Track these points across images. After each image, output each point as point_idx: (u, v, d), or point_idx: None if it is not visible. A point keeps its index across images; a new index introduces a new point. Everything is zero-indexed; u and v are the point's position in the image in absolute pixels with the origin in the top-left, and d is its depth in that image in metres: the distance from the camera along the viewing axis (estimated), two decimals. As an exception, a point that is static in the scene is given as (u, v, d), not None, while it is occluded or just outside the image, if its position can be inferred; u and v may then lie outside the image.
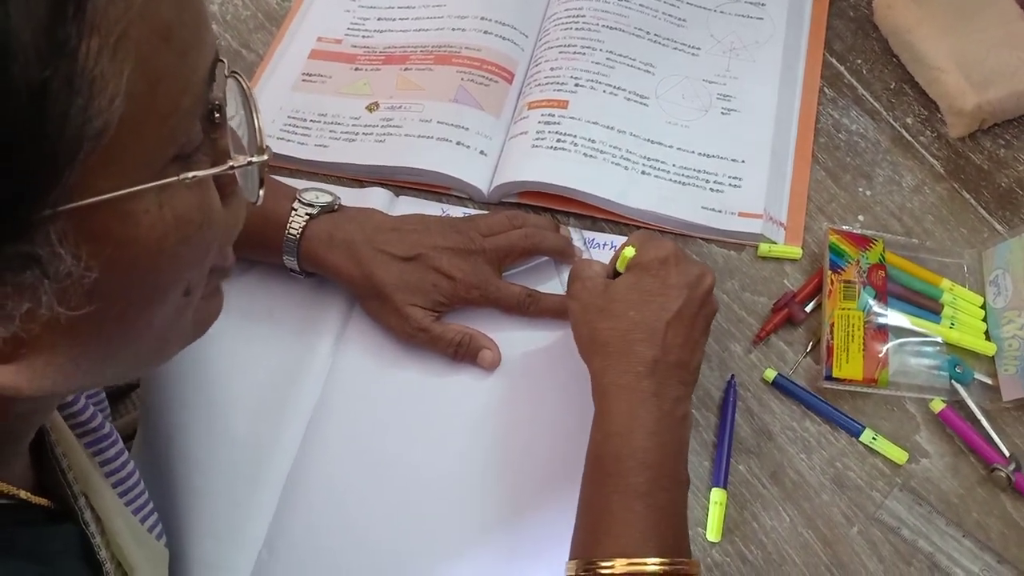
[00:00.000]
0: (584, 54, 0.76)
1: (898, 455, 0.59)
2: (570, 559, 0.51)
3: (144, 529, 0.50)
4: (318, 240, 0.62)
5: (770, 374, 0.62)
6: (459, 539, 0.58)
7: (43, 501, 0.41)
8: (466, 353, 0.63)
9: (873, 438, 0.60)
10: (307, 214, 0.62)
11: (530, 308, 0.64)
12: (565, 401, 0.61)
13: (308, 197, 0.63)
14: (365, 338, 0.66)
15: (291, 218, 0.61)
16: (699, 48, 0.78)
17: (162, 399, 0.65)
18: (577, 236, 0.68)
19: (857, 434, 0.60)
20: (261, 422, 0.63)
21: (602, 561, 0.48)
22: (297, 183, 0.68)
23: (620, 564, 0.47)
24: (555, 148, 0.70)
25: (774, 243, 0.68)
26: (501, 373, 0.64)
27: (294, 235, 0.61)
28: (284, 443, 0.62)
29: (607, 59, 0.76)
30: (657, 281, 0.55)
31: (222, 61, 0.33)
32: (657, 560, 0.47)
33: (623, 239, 0.68)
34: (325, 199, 0.63)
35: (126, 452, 0.51)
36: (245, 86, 0.35)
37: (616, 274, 0.58)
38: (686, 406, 0.54)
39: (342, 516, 0.59)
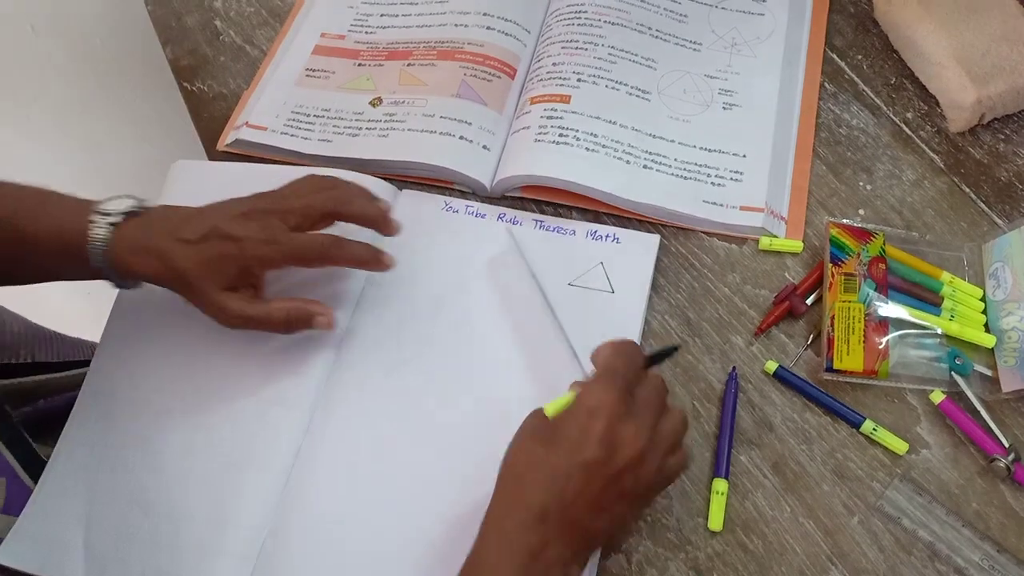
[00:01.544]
0: (586, 49, 0.76)
1: (899, 445, 0.60)
2: None
3: None
4: (125, 247, 0.58)
5: (771, 366, 0.63)
6: (462, 530, 0.59)
7: None
8: (298, 325, 0.60)
9: (874, 429, 0.60)
10: (109, 224, 0.58)
11: (334, 252, 0.60)
12: None
13: (107, 207, 0.59)
14: (371, 322, 0.66)
15: (90, 230, 0.58)
16: (700, 44, 0.79)
17: (156, 382, 0.65)
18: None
19: (858, 425, 0.60)
20: (266, 408, 0.63)
21: None
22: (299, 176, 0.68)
23: None
24: (557, 143, 0.71)
25: (775, 237, 0.69)
26: (507, 364, 0.64)
27: (98, 246, 0.58)
28: (288, 431, 0.62)
29: (609, 54, 0.76)
30: (579, 429, 0.48)
31: None
32: None
33: (626, 232, 0.69)
34: (125, 205, 0.59)
35: None
36: None
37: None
38: (568, 572, 0.48)
39: (347, 503, 0.60)
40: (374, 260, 0.62)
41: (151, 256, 0.58)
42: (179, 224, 0.59)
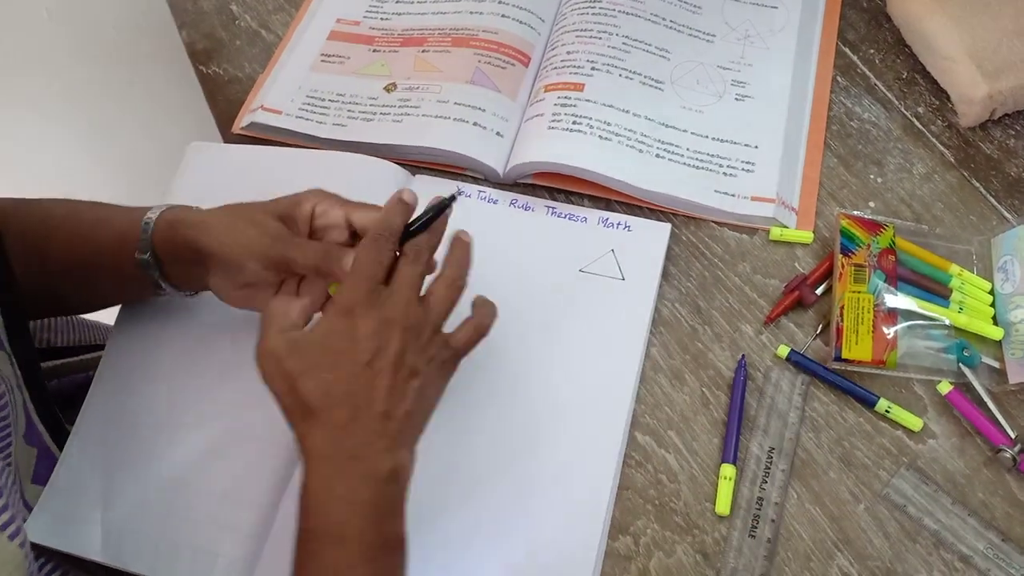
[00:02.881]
0: (600, 38, 0.77)
1: (913, 422, 0.60)
2: None
3: None
4: (165, 223, 0.58)
5: (783, 350, 0.63)
6: (475, 502, 0.59)
7: None
8: (328, 264, 0.55)
9: (888, 408, 0.61)
10: (159, 211, 0.59)
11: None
12: (579, 383, 0.62)
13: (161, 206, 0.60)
14: None
15: (143, 218, 0.58)
16: (714, 35, 0.79)
17: (170, 359, 0.65)
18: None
19: (872, 404, 0.61)
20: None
21: None
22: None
23: None
24: (570, 130, 0.71)
25: (786, 227, 0.69)
26: (519, 351, 0.64)
27: (147, 228, 0.58)
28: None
29: (623, 44, 0.77)
30: (345, 335, 0.49)
31: None
32: None
33: (637, 220, 0.70)
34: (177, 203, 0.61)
35: None
36: None
37: None
38: (395, 458, 0.49)
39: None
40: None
41: (190, 224, 0.57)
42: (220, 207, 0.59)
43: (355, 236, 0.57)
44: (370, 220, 0.56)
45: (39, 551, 0.59)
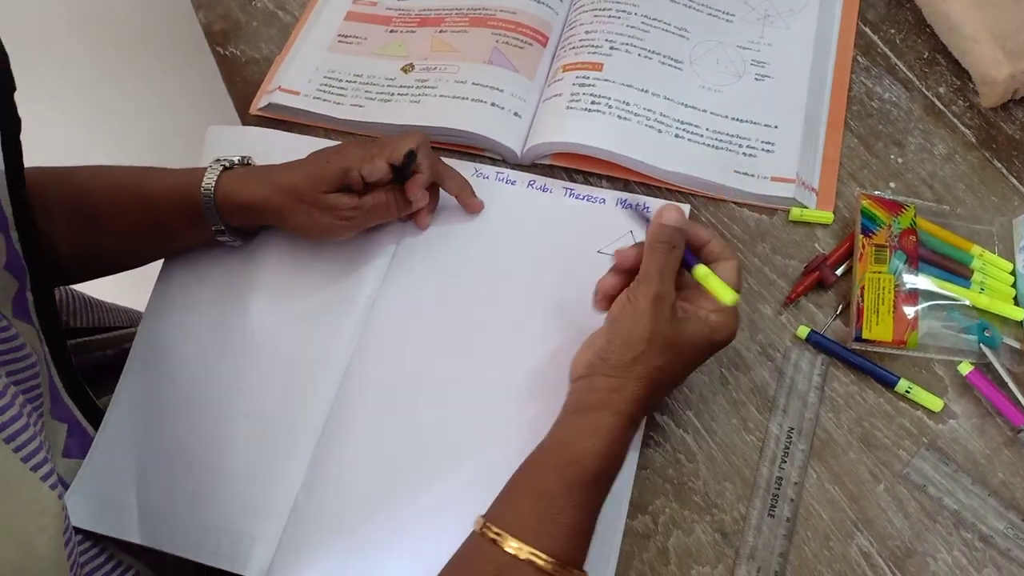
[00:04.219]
0: (619, 18, 0.76)
1: (934, 403, 0.60)
2: (484, 516, 0.51)
3: (27, 468, 0.49)
4: (230, 180, 0.63)
5: (803, 330, 0.63)
6: (493, 481, 0.59)
7: None
8: (403, 205, 0.65)
9: (908, 389, 0.60)
10: (221, 167, 0.64)
11: (440, 169, 0.67)
12: None
13: (223, 160, 0.65)
14: (402, 286, 0.67)
15: (206, 175, 0.63)
16: (733, 14, 0.78)
17: (197, 346, 0.66)
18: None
19: (893, 384, 0.61)
20: (299, 370, 0.64)
21: (512, 539, 0.48)
22: (332, 143, 0.69)
23: (524, 550, 0.48)
24: (589, 110, 0.71)
25: (806, 208, 0.69)
26: (535, 326, 0.65)
27: (208, 187, 0.63)
28: (321, 391, 0.63)
29: (642, 23, 0.76)
30: (710, 349, 0.55)
31: None
32: (547, 558, 0.48)
33: (656, 201, 0.69)
34: (237, 158, 0.67)
35: (13, 392, 0.50)
36: None
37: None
38: (640, 421, 0.55)
39: (377, 462, 0.61)
40: (468, 191, 0.69)
41: (256, 180, 0.63)
42: (282, 164, 0.65)
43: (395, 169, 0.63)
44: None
45: (80, 534, 0.60)
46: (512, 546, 0.48)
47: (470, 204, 0.69)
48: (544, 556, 0.48)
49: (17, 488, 0.47)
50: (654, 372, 0.52)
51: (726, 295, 0.53)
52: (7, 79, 0.59)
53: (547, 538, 0.48)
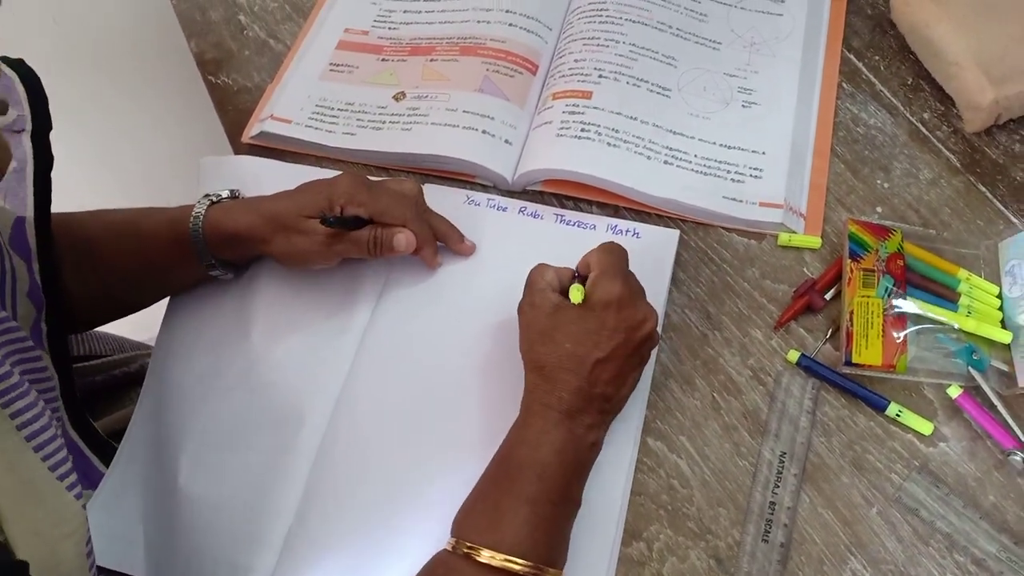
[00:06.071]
0: (608, 46, 0.77)
1: (924, 427, 0.61)
2: (453, 535, 0.54)
3: (54, 478, 0.51)
4: (218, 212, 0.65)
5: (793, 355, 0.64)
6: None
7: None
8: (382, 246, 0.64)
9: (898, 413, 0.61)
10: (209, 201, 0.66)
11: (422, 211, 0.67)
12: None
13: (212, 196, 0.67)
14: (395, 315, 0.67)
15: (194, 209, 0.65)
16: (720, 43, 0.79)
17: (200, 383, 0.67)
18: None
19: (883, 408, 0.61)
20: (294, 402, 0.64)
21: (484, 549, 0.51)
22: (323, 172, 0.70)
23: (498, 558, 0.51)
24: (579, 137, 0.72)
25: (794, 232, 0.69)
26: None
27: (197, 220, 0.64)
28: (315, 422, 0.63)
29: (630, 51, 0.77)
30: (598, 322, 0.56)
31: None
32: (523, 562, 0.51)
33: (646, 227, 0.70)
34: (226, 193, 0.68)
35: (42, 405, 0.52)
36: None
37: (572, 281, 0.60)
38: (598, 434, 0.57)
39: (371, 491, 0.61)
40: (457, 238, 0.69)
41: (242, 210, 0.65)
42: (271, 194, 0.66)
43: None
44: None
45: None
46: (500, 561, 0.51)
47: (460, 250, 0.70)
48: (522, 562, 0.51)
49: (45, 495, 0.49)
50: (538, 358, 0.57)
51: (575, 295, 0.58)
52: (46, 119, 0.64)
53: (524, 545, 0.51)
